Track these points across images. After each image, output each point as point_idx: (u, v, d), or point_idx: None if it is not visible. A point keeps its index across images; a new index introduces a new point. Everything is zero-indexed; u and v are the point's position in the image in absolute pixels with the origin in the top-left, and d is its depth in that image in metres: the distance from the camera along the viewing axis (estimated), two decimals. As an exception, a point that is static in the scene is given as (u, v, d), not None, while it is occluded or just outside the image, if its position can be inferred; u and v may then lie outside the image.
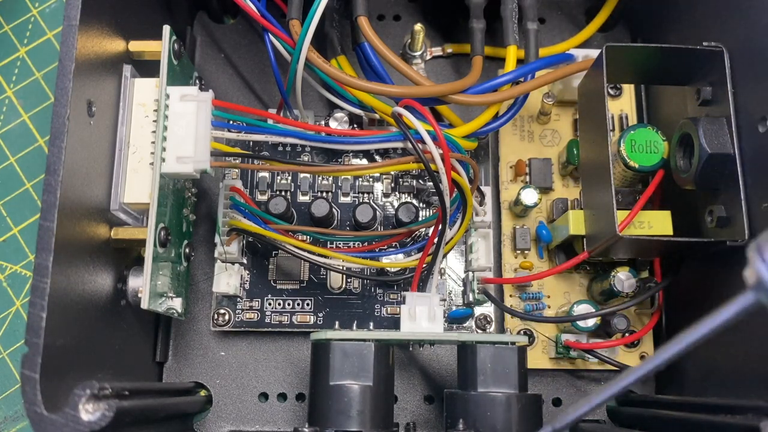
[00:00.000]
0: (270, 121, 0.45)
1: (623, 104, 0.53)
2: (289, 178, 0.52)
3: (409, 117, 0.41)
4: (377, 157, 0.51)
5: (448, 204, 0.42)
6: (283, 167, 0.46)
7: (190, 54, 0.56)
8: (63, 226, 0.34)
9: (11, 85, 0.59)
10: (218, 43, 0.57)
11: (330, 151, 0.52)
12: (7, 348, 0.54)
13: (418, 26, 0.53)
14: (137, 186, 0.41)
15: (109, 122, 0.40)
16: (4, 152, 0.58)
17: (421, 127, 0.41)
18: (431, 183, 0.42)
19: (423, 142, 0.41)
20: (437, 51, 0.57)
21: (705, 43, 0.43)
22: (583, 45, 0.55)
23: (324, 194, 0.51)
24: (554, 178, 0.52)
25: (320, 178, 0.52)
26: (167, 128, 0.41)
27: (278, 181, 0.51)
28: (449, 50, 0.57)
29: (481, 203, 0.49)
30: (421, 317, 0.43)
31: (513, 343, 0.41)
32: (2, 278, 0.56)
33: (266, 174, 0.51)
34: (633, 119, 0.53)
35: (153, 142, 0.41)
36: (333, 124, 0.50)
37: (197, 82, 0.48)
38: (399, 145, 0.42)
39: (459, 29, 0.58)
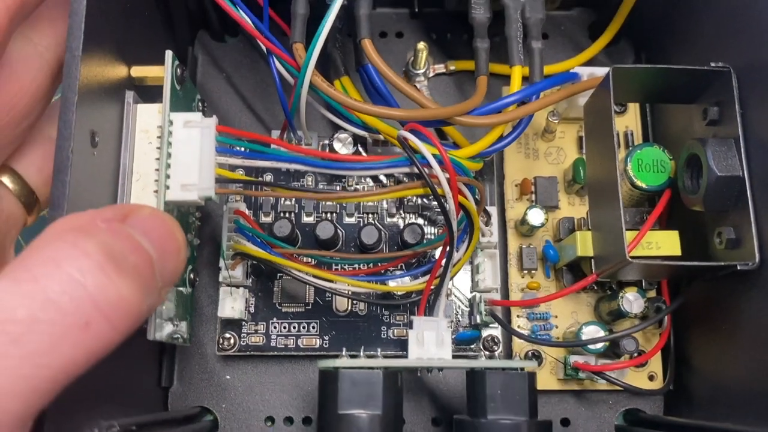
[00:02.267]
0: (273, 146, 0.44)
1: (628, 121, 0.53)
2: (293, 199, 0.51)
3: (414, 141, 0.41)
4: (382, 177, 0.51)
5: (455, 229, 0.41)
6: (288, 194, 0.45)
7: (192, 73, 0.55)
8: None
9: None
10: (220, 62, 0.57)
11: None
12: None
13: (421, 45, 0.53)
14: (141, 214, 0.40)
15: (112, 151, 0.40)
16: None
17: (427, 152, 0.40)
18: (436, 202, 0.42)
19: (429, 166, 0.41)
20: (440, 68, 0.56)
21: (712, 64, 0.42)
22: (588, 62, 0.54)
23: (328, 215, 0.51)
24: (560, 196, 0.52)
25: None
26: (171, 155, 0.40)
27: (282, 202, 0.51)
28: (452, 67, 0.56)
29: (487, 223, 0.49)
30: (429, 342, 0.42)
31: (522, 369, 0.40)
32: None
33: (271, 199, 0.51)
34: (638, 136, 0.53)
35: (157, 170, 0.41)
36: (337, 146, 0.50)
37: (200, 105, 0.47)
38: (405, 170, 0.41)
39: (462, 45, 0.57)
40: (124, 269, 0.28)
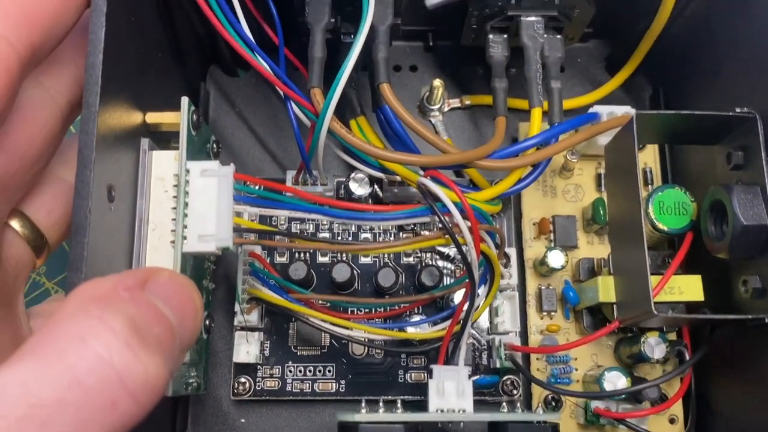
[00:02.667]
0: (290, 194, 0.43)
1: (647, 157, 0.52)
2: (309, 235, 0.51)
3: (434, 189, 0.40)
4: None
5: (477, 278, 0.41)
6: (306, 245, 0.45)
7: (204, 109, 0.55)
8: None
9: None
10: (232, 97, 0.56)
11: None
12: None
13: (437, 82, 0.52)
14: (158, 265, 0.40)
15: (128, 202, 0.39)
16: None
17: (448, 200, 0.40)
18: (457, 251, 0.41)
19: (450, 213, 0.40)
20: (455, 103, 0.56)
21: (737, 110, 0.42)
22: (605, 97, 0.54)
23: (344, 255, 0.50)
24: (579, 235, 0.51)
25: (339, 236, 0.51)
26: (188, 205, 0.40)
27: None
28: (468, 102, 0.56)
29: (506, 265, 0.48)
30: (449, 392, 0.42)
31: (545, 422, 0.40)
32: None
33: (285, 239, 0.50)
34: (657, 173, 0.52)
35: (173, 219, 0.40)
36: (353, 186, 0.49)
37: (215, 146, 0.47)
38: (425, 220, 0.41)
39: (477, 79, 0.57)
40: (149, 343, 0.27)
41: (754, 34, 0.42)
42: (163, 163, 0.41)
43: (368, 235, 0.50)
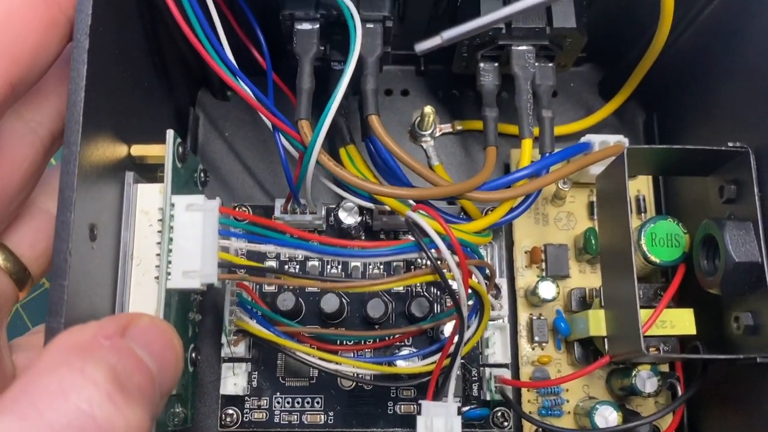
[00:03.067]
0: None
1: (640, 185, 0.52)
2: (297, 267, 0.50)
3: (422, 224, 0.40)
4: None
5: (465, 314, 0.40)
6: (294, 282, 0.44)
7: (193, 135, 0.54)
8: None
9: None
10: (222, 121, 0.55)
11: (339, 235, 0.51)
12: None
13: (428, 109, 0.52)
14: (142, 301, 0.39)
15: (112, 238, 0.38)
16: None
17: (436, 236, 0.39)
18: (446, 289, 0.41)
19: (438, 249, 0.40)
20: (447, 128, 0.55)
21: (730, 144, 0.41)
22: (598, 124, 0.53)
23: (333, 284, 0.50)
24: (570, 264, 0.50)
25: (329, 266, 0.50)
26: (172, 240, 0.39)
27: (286, 269, 0.50)
28: (459, 127, 0.55)
29: (496, 297, 0.47)
30: (438, 429, 0.41)
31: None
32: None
33: (273, 263, 0.50)
34: (650, 201, 0.52)
35: (158, 254, 0.39)
36: (342, 215, 0.48)
37: (202, 175, 0.46)
38: (414, 256, 0.40)
39: (469, 103, 0.56)
40: (131, 393, 0.27)
41: (747, 67, 0.42)
42: (147, 197, 0.41)
43: (358, 264, 0.49)
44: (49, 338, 0.32)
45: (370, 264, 0.49)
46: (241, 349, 0.46)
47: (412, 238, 0.40)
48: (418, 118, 0.54)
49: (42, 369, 0.27)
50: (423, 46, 0.36)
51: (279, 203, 0.49)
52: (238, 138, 0.55)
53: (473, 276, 0.41)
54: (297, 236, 0.40)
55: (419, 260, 0.47)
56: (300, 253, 0.40)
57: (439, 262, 0.40)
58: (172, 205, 0.40)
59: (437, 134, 0.55)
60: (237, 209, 0.51)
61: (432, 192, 0.42)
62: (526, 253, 0.51)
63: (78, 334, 0.29)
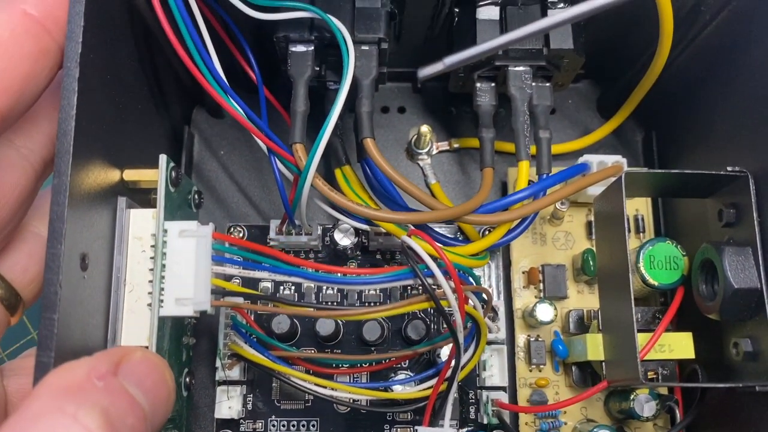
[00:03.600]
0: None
1: (639, 204, 0.52)
2: (293, 288, 0.50)
3: (418, 250, 0.39)
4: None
5: (461, 342, 0.40)
6: (289, 310, 0.44)
7: (188, 153, 0.54)
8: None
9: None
10: (217, 140, 0.55)
11: (335, 255, 0.50)
12: (6, 349, 0.54)
13: (425, 129, 0.51)
14: (134, 329, 0.39)
15: (104, 265, 0.38)
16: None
17: (432, 262, 0.39)
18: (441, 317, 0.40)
19: (434, 276, 0.39)
20: (443, 146, 0.55)
21: (729, 168, 0.41)
22: (597, 142, 0.53)
23: (329, 305, 0.49)
24: (568, 284, 0.50)
25: (325, 288, 0.50)
26: (165, 267, 0.39)
27: (281, 291, 0.49)
28: (456, 145, 0.55)
29: (494, 319, 0.47)
30: (434, 456, 0.41)
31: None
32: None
33: (268, 284, 0.49)
34: (649, 220, 0.51)
35: (150, 281, 0.39)
36: (338, 236, 0.48)
37: (196, 197, 0.46)
38: (410, 282, 0.40)
39: (465, 121, 0.56)
40: None
41: (746, 89, 0.41)
42: (140, 223, 0.40)
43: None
44: (39, 373, 0.31)
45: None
46: (235, 372, 0.46)
47: (409, 262, 0.39)
48: (415, 137, 0.53)
49: (33, 414, 0.26)
50: (425, 72, 0.35)
51: (274, 224, 0.49)
52: (233, 156, 0.55)
53: (470, 301, 0.41)
54: (291, 263, 0.39)
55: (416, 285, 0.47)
56: (294, 281, 0.40)
57: (435, 287, 0.39)
58: (165, 231, 0.39)
59: (434, 152, 0.54)
60: (232, 229, 0.51)
61: (429, 216, 0.42)
62: (523, 273, 0.51)
63: (70, 375, 0.28)
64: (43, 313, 0.32)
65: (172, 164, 0.41)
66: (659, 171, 0.42)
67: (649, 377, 0.45)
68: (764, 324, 0.39)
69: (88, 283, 0.36)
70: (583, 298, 0.50)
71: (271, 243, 0.49)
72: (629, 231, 0.51)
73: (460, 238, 0.48)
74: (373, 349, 0.48)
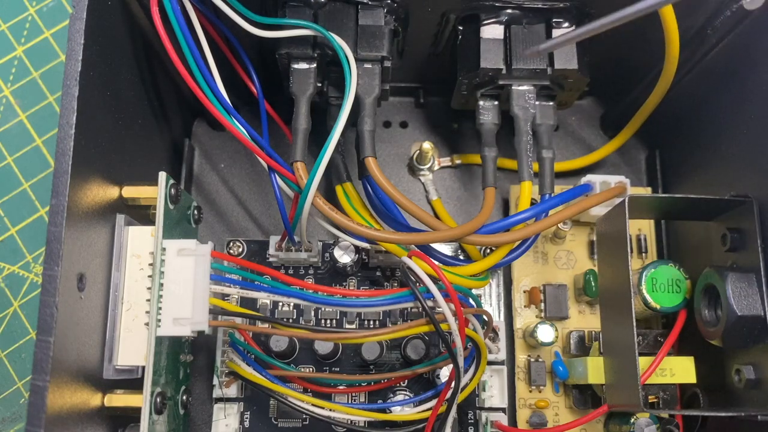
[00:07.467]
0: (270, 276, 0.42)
1: (641, 224, 0.51)
2: (291, 305, 0.49)
3: (418, 272, 0.39)
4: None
5: (461, 365, 0.39)
6: (286, 332, 0.43)
7: (188, 166, 0.53)
8: (53, 404, 0.31)
9: (9, 84, 0.59)
10: (217, 152, 0.55)
11: (335, 272, 0.50)
12: (5, 349, 0.54)
13: (427, 145, 0.51)
14: (131, 348, 0.38)
15: (101, 284, 0.38)
16: (1, 152, 0.58)
17: (432, 285, 0.39)
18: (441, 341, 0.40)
19: (434, 299, 0.39)
20: (446, 161, 0.54)
21: (733, 194, 0.40)
22: (599, 162, 0.52)
23: (328, 322, 0.49)
24: (570, 304, 0.50)
25: (324, 306, 0.49)
26: (163, 286, 0.38)
27: (280, 308, 0.49)
28: (458, 161, 0.54)
29: (494, 340, 0.47)
30: (432, 479, 0.40)
31: None
32: (0, 279, 0.55)
33: (267, 302, 0.49)
34: (652, 241, 0.51)
35: (148, 300, 0.39)
36: (338, 253, 0.48)
37: (196, 212, 0.45)
38: (410, 305, 0.39)
39: (468, 137, 0.55)
40: None
41: (752, 112, 0.41)
42: (139, 240, 0.40)
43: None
44: (35, 396, 0.31)
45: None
46: (233, 390, 0.46)
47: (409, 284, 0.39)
48: (417, 152, 0.53)
49: None
50: (543, 47, 0.35)
51: (273, 240, 0.48)
52: (234, 170, 0.54)
53: (470, 324, 0.41)
54: (291, 284, 0.39)
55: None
56: (293, 302, 0.39)
57: (435, 309, 0.39)
58: (164, 249, 0.39)
59: (436, 168, 0.54)
60: (231, 244, 0.50)
61: (430, 237, 0.41)
62: (524, 292, 0.50)
63: None
64: (38, 336, 0.32)
65: (171, 181, 0.40)
66: (662, 195, 0.42)
67: (650, 401, 0.44)
68: (767, 351, 0.38)
69: (85, 303, 0.36)
70: (585, 319, 0.50)
71: (271, 259, 0.48)
72: (631, 251, 0.50)
73: (461, 257, 0.48)
74: (371, 367, 0.48)
